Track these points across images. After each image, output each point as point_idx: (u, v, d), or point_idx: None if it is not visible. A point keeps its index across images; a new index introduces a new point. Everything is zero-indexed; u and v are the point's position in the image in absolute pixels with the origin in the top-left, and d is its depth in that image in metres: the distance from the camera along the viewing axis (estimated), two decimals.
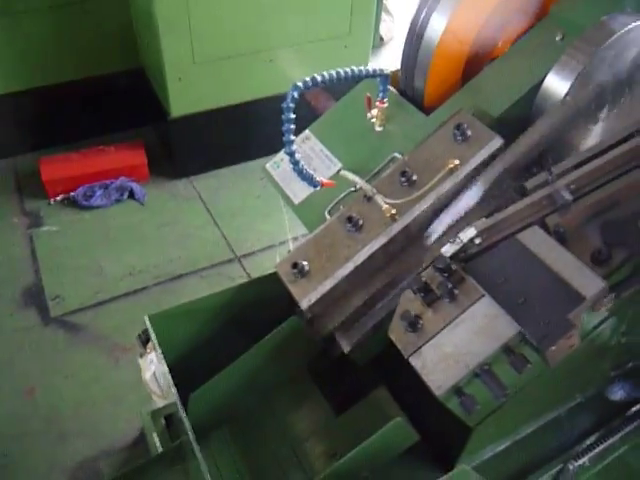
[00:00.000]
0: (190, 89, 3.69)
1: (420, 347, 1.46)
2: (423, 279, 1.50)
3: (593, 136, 1.81)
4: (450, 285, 1.47)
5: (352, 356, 1.69)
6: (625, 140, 1.45)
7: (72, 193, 3.87)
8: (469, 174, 1.56)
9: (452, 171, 1.55)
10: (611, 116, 1.77)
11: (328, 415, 1.79)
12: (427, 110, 1.82)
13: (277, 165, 1.97)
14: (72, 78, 3.94)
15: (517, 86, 1.69)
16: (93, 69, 3.97)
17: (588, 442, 2.07)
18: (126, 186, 3.92)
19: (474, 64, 1.81)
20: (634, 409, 2.27)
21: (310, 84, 1.50)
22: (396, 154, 1.74)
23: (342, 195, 1.75)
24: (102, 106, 4.08)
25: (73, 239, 3.68)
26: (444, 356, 1.43)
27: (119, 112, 4.11)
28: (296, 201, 1.86)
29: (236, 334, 1.80)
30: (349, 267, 1.57)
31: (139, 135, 4.18)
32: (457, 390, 1.42)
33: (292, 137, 1.49)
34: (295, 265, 1.62)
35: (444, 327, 1.46)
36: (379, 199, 1.60)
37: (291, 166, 1.57)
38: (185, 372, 1.80)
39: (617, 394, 2.28)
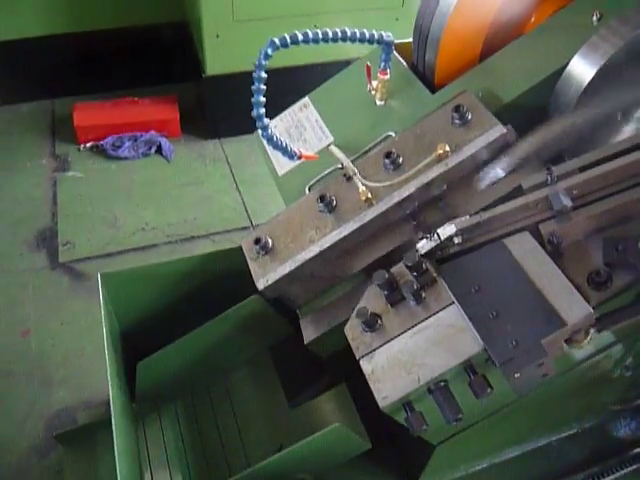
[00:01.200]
0: (227, 47, 3.57)
1: (374, 350, 1.31)
2: (389, 275, 1.33)
3: (624, 136, 1.57)
4: (418, 286, 1.30)
5: (312, 348, 1.55)
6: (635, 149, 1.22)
7: (101, 142, 3.85)
8: (461, 163, 1.37)
9: (441, 158, 1.36)
10: None
11: (282, 405, 1.67)
12: (437, 88, 1.62)
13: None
14: (115, 26, 3.90)
15: (537, 69, 1.46)
16: (137, 19, 3.91)
17: (575, 479, 1.86)
18: (155, 140, 3.86)
19: (496, 41, 1.59)
20: (637, 450, 2.04)
21: (288, 41, 1.33)
22: (391, 133, 1.56)
23: (327, 172, 1.59)
24: (142, 57, 4.03)
25: (95, 188, 3.66)
26: (397, 364, 1.26)
27: (158, 65, 4.04)
28: (280, 172, 1.71)
29: (198, 306, 1.68)
30: (313, 251, 1.42)
31: (176, 91, 4.11)
32: (407, 404, 1.25)
33: (262, 110, 1.33)
34: (258, 241, 1.48)
35: (403, 332, 1.30)
36: (358, 180, 1.43)
37: (265, 141, 1.42)
38: (142, 340, 1.71)
39: (620, 431, 2.05)
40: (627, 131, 1.54)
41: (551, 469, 1.99)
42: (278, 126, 1.81)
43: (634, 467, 1.96)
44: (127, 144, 3.81)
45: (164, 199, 3.63)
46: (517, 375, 1.15)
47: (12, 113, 4.19)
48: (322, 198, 1.44)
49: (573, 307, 1.16)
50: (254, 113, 1.38)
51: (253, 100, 1.34)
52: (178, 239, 3.37)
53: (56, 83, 4.11)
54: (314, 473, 1.50)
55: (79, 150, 3.87)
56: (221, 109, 3.87)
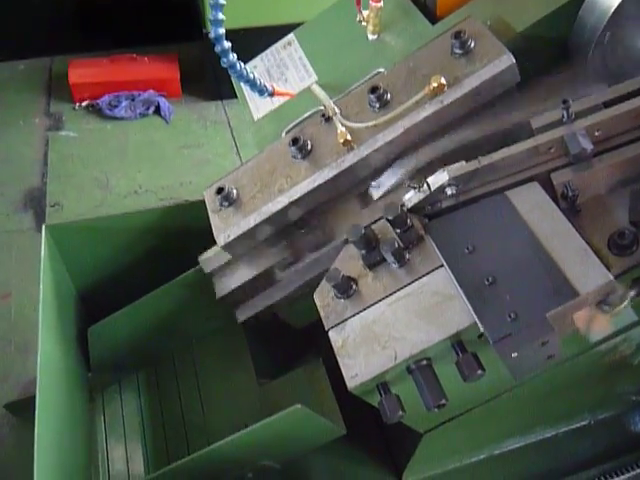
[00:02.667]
0: (230, 4, 3.33)
1: (346, 319, 1.10)
2: (367, 231, 1.11)
3: None
4: (401, 245, 1.08)
5: (282, 317, 1.35)
6: None
7: (97, 101, 3.66)
8: (460, 100, 1.13)
9: (435, 93, 1.13)
10: None
11: (251, 381, 1.47)
12: (439, 19, 1.38)
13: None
14: None
15: None
16: None
17: (585, 476, 1.64)
18: (153, 100, 3.66)
19: None
20: None
21: None
22: (382, 69, 1.32)
23: (307, 114, 1.37)
24: (143, 15, 3.82)
25: (89, 148, 3.48)
26: (371, 337, 1.06)
27: (160, 23, 3.83)
28: (256, 116, 1.50)
29: (162, 266, 1.49)
30: (281, 202, 1.21)
31: (177, 50, 3.89)
32: (381, 385, 1.05)
33: (221, 30, 1.11)
34: (220, 190, 1.27)
35: (381, 299, 1.08)
36: (337, 120, 1.21)
37: (233, 76, 1.20)
38: (103, 303, 1.52)
39: (639, 425, 1.81)
40: None
41: (558, 464, 1.77)
42: (258, 66, 1.59)
43: None
44: (124, 103, 3.61)
45: (160, 161, 3.43)
46: (515, 355, 0.93)
47: (9, 70, 4.02)
48: (295, 141, 1.22)
49: (589, 273, 0.94)
50: (217, 48, 1.16)
51: (212, 33, 1.12)
52: (172, 203, 3.18)
53: (55, 40, 3.92)
54: (281, 459, 1.31)
55: (74, 109, 3.69)
56: (224, 69, 3.65)
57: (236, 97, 4.08)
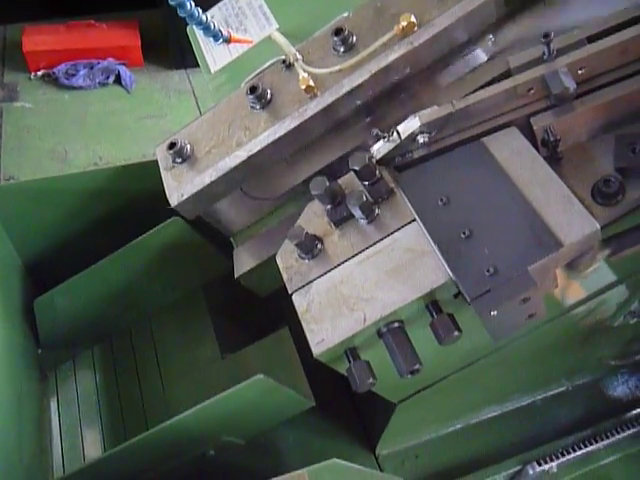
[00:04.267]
0: None
1: (311, 281, 1.00)
2: (332, 184, 1.02)
3: None
4: (369, 199, 0.99)
5: (246, 284, 1.25)
6: None
7: (54, 70, 3.47)
8: (432, 41, 1.04)
9: (405, 33, 1.03)
10: None
11: (214, 353, 1.38)
12: None
13: None
14: None
15: None
16: None
17: (563, 443, 1.59)
18: (113, 68, 3.48)
19: None
20: (635, 412, 1.76)
21: None
22: (347, 14, 1.22)
23: (268, 64, 1.25)
24: None
25: (45, 119, 3.31)
26: (338, 299, 0.97)
27: None
28: (213, 69, 1.38)
29: (115, 233, 1.37)
30: (239, 157, 1.10)
31: (138, 17, 3.71)
32: (349, 351, 0.96)
33: None
34: (172, 146, 1.16)
35: (349, 258, 0.99)
36: (299, 67, 1.10)
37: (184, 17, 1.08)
38: (52, 275, 1.40)
39: (617, 389, 1.77)
40: None
41: (536, 432, 1.72)
42: (216, 16, 1.46)
43: (632, 431, 1.69)
44: (82, 72, 3.44)
45: (121, 132, 3.28)
46: (494, 313, 0.85)
47: None
48: (253, 89, 1.11)
49: (573, 222, 0.86)
50: None
51: None
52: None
53: (8, 6, 3.70)
54: (245, 435, 1.22)
55: (30, 79, 3.50)
56: (187, 37, 3.48)
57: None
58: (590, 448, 1.60)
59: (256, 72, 1.26)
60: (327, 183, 0.98)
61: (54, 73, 3.46)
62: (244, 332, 1.41)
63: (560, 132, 0.95)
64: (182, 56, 3.60)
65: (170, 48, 3.63)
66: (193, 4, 1.08)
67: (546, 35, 0.90)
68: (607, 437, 1.67)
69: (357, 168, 0.97)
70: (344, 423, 1.49)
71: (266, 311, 1.38)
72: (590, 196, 0.95)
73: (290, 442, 1.35)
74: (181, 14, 1.07)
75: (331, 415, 1.47)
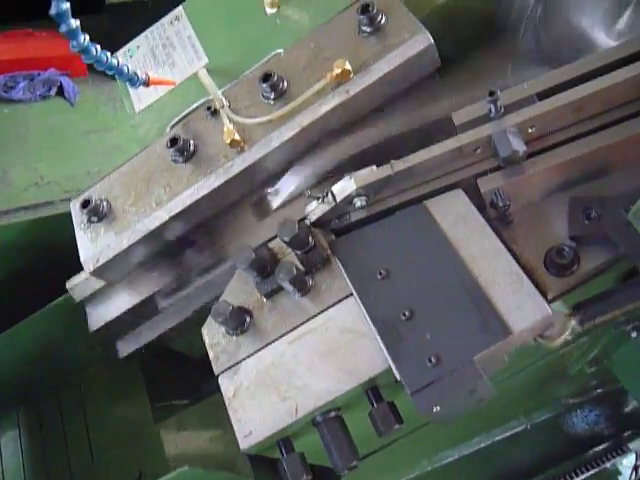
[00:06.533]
0: None
1: (239, 362, 0.90)
2: (262, 251, 0.91)
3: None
4: (301, 270, 0.89)
5: (175, 348, 1.14)
6: (635, 58, 0.81)
7: None
8: (369, 89, 0.93)
9: (340, 81, 0.93)
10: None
11: (146, 418, 1.26)
12: None
13: (130, 53, 1.35)
14: None
15: None
16: None
17: None
18: (55, 80, 3.27)
19: None
20: (599, 448, 1.72)
21: None
22: (280, 51, 1.11)
23: (195, 105, 1.14)
24: None
25: None
26: (268, 384, 0.87)
27: None
28: (137, 107, 1.25)
29: (29, 288, 1.25)
30: (160, 218, 0.98)
31: (80, 24, 3.50)
32: (282, 442, 0.86)
33: (64, 5, 0.86)
34: (86, 204, 1.03)
35: (281, 336, 0.89)
36: (225, 115, 0.99)
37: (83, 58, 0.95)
38: None
39: (577, 426, 1.72)
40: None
41: (496, 475, 1.66)
42: (142, 46, 1.34)
43: (593, 472, 1.64)
44: (22, 84, 3.22)
45: (64, 149, 3.08)
46: (437, 409, 0.76)
47: None
48: (173, 142, 1.00)
49: (523, 305, 0.77)
50: (62, 28, 0.90)
51: (53, 9, 0.87)
52: (77, 195, 2.87)
53: None
54: None
55: None
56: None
57: None
58: None
59: (182, 115, 1.15)
60: (253, 255, 0.87)
61: None
62: (180, 393, 1.30)
63: (510, 194, 0.86)
64: None
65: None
66: (99, 48, 0.95)
67: (491, 93, 0.80)
68: (571, 478, 1.62)
69: (287, 239, 0.86)
70: None
71: (203, 370, 1.26)
72: (543, 264, 0.86)
73: None
74: (87, 61, 0.94)
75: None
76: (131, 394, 1.30)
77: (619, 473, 1.76)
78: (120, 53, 1.40)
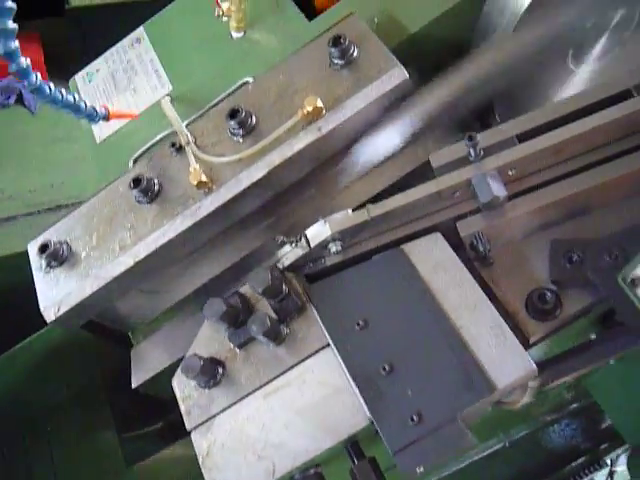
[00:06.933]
0: None
1: (213, 416, 0.85)
2: (233, 302, 0.87)
3: (576, 83, 1.15)
4: (277, 318, 0.84)
5: (145, 392, 1.08)
6: (616, 100, 0.78)
7: None
8: (342, 127, 0.89)
9: (311, 119, 0.89)
10: (609, 56, 1.09)
11: (116, 462, 1.21)
12: (318, 13, 1.13)
13: (90, 78, 1.29)
14: None
15: None
16: None
17: None
18: (14, 88, 3.14)
19: None
20: (577, 463, 1.72)
21: None
22: (249, 79, 1.06)
23: (159, 137, 1.08)
24: None
25: None
26: (243, 442, 0.82)
27: None
28: (98, 137, 1.19)
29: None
30: (124, 263, 0.93)
31: (38, 29, 3.38)
32: None
33: (12, 43, 0.80)
34: (45, 248, 0.97)
35: (256, 388, 0.85)
36: (191, 153, 0.94)
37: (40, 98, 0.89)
38: None
39: (554, 441, 1.72)
40: (579, 75, 1.11)
41: None
42: (102, 69, 1.27)
43: None
44: None
45: (25, 160, 2.97)
46: (420, 470, 0.73)
47: None
48: (137, 182, 0.94)
49: (506, 360, 0.74)
50: (12, 67, 0.84)
51: (1, 48, 0.80)
52: (41, 209, 2.76)
53: None
54: None
55: None
56: (95, 48, 3.20)
57: None
58: None
59: (145, 147, 1.09)
60: (224, 307, 0.82)
61: None
62: (151, 436, 1.25)
63: (490, 236, 0.83)
64: None
65: (76, 61, 3.34)
66: (53, 86, 0.89)
67: (470, 137, 0.77)
68: None
69: (260, 290, 0.82)
70: None
71: (175, 411, 1.21)
72: (525, 307, 0.84)
73: None
74: (40, 101, 0.88)
75: None
76: (100, 436, 1.24)
77: None
78: (79, 77, 1.34)
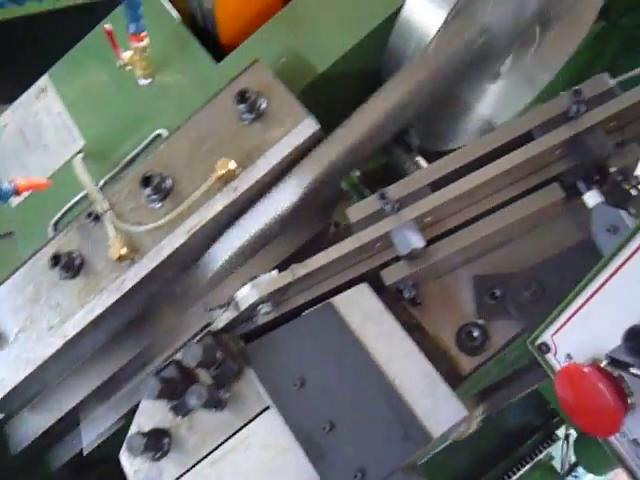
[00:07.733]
0: None
1: None
2: (170, 373, 0.86)
3: (490, 98, 1.16)
4: (214, 386, 0.85)
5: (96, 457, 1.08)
6: (520, 142, 0.80)
7: None
8: (257, 184, 0.89)
9: (226, 180, 0.87)
10: (517, 70, 1.11)
11: None
12: (226, 51, 1.10)
13: None
14: None
15: (365, 16, 0.99)
16: None
17: None
18: None
19: None
20: (533, 439, 1.80)
21: None
22: (162, 131, 1.03)
23: (78, 197, 1.05)
24: None
25: None
26: None
27: None
28: (14, 201, 1.15)
29: None
30: (54, 345, 0.91)
31: None
32: None
33: None
34: None
35: (203, 457, 0.85)
36: (109, 223, 0.91)
37: None
38: None
39: (509, 422, 1.80)
40: (492, 91, 1.12)
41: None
42: (10, 124, 1.22)
43: (531, 464, 1.72)
44: None
45: None
46: None
47: None
48: (55, 260, 0.91)
49: (440, 409, 0.77)
50: None
51: None
52: None
53: None
54: None
55: None
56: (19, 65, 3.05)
57: (6, 102, 3.46)
58: None
59: (64, 210, 1.06)
60: (160, 386, 0.82)
61: None
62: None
63: (415, 280, 0.85)
64: (9, 87, 3.17)
65: None
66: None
67: (383, 196, 0.77)
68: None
69: (194, 365, 0.82)
70: None
71: None
72: (455, 343, 0.86)
73: None
74: None
75: None
76: None
77: (552, 458, 1.87)
78: None
